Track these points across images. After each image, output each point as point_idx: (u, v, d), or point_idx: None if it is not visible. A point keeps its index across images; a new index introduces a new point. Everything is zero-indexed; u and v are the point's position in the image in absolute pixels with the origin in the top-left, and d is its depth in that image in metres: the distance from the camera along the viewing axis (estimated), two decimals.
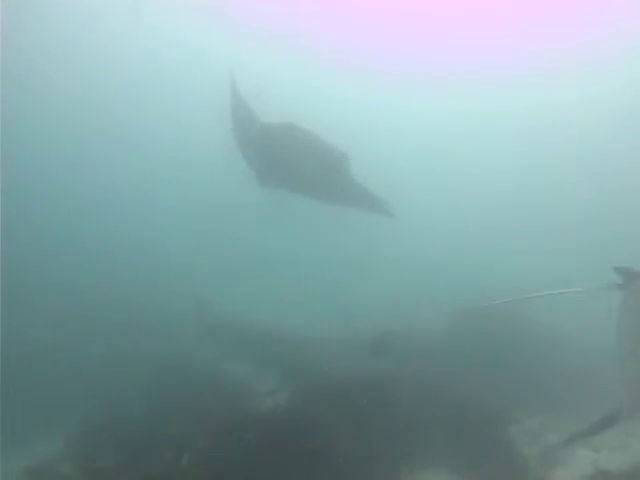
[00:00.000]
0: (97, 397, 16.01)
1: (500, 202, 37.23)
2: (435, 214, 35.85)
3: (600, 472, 10.07)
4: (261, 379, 15.61)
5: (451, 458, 11.44)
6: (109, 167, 41.10)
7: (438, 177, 40.47)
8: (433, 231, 34.10)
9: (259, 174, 15.13)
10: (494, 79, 43.60)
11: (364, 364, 14.29)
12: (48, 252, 30.26)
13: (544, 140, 41.26)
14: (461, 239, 33.71)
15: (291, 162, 13.94)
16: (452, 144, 42.34)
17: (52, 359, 19.69)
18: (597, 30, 40.14)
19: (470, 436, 11.44)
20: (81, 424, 14.81)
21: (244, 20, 40.81)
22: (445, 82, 44.61)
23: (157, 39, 40.27)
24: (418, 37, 42.61)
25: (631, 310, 9.15)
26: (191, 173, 41.17)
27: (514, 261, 28.42)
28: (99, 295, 25.26)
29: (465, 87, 44.57)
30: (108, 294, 25.31)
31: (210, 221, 39.29)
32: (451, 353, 16.54)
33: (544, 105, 42.41)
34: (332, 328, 18.81)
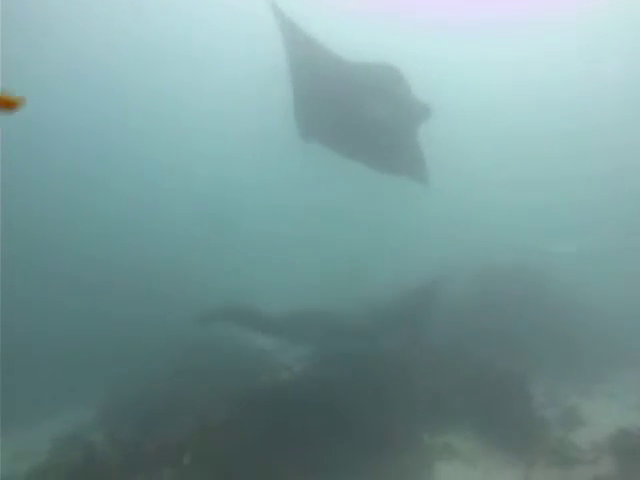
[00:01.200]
0: (124, 369, 16.47)
1: None
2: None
3: (621, 431, 9.98)
4: (281, 352, 15.81)
5: (471, 421, 11.47)
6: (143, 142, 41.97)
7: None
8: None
9: (307, 125, 13.07)
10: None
11: (382, 331, 14.26)
12: (84, 226, 31.01)
13: None
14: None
15: (365, 108, 12.05)
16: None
17: (82, 332, 20.33)
18: None
19: (490, 399, 11.42)
20: (109, 395, 15.31)
21: None
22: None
23: None
24: None
25: None
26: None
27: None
28: (131, 268, 25.95)
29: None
30: (140, 267, 25.96)
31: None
32: (471, 316, 16.52)
33: None
34: (353, 297, 18.86)
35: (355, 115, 12.13)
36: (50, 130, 37.42)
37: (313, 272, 26.37)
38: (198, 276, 25.23)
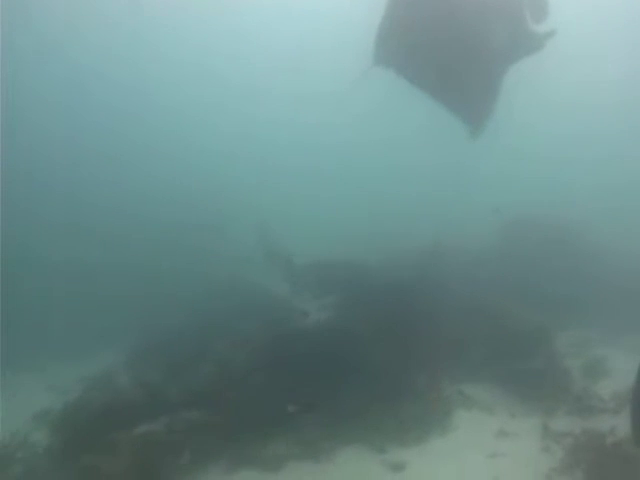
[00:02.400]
0: (153, 316, 16.92)
1: None
2: None
3: None
4: (306, 300, 15.90)
5: (491, 371, 11.46)
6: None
7: None
8: None
9: (387, 51, 12.06)
10: None
11: (409, 279, 14.18)
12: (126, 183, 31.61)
13: None
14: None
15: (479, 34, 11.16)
16: None
17: (117, 281, 20.90)
18: None
19: (511, 349, 11.35)
20: (137, 341, 15.78)
21: None
22: None
23: None
24: None
25: None
26: None
27: None
28: (164, 221, 26.45)
29: None
30: (172, 220, 26.41)
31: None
32: (498, 265, 16.31)
33: None
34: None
35: (457, 43, 11.32)
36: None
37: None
38: (230, 226, 25.51)
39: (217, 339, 12.73)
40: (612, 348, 12.58)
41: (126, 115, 38.32)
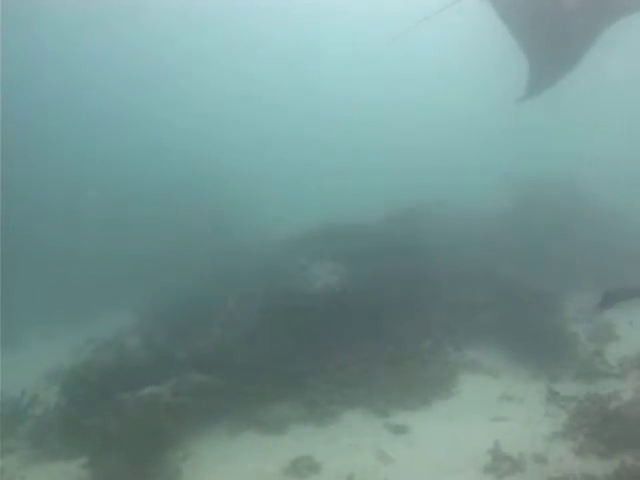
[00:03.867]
0: (164, 279, 17.06)
1: None
2: None
3: None
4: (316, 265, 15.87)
5: (498, 337, 11.42)
6: None
7: None
8: None
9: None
10: None
11: (412, 242, 14.07)
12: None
13: None
14: None
15: None
16: None
17: (130, 244, 21.10)
18: None
19: (519, 315, 11.27)
20: (148, 303, 15.96)
21: None
22: None
23: None
24: None
25: None
26: None
27: None
28: (176, 184, 26.62)
29: None
30: (184, 184, 26.54)
31: None
32: (509, 229, 16.09)
33: None
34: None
35: None
36: None
37: None
38: (240, 191, 25.55)
39: (224, 302, 12.82)
40: (622, 313, 12.41)
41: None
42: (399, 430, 8.53)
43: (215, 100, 42.19)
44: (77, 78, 36.72)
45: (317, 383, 9.79)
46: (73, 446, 8.29)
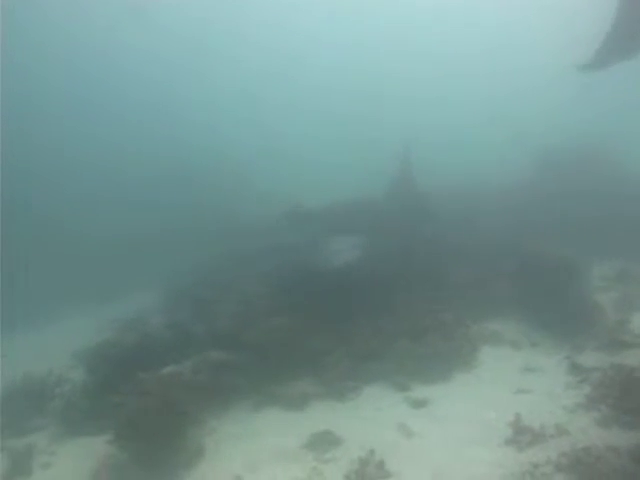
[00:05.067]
0: (187, 260, 17.29)
1: None
2: None
3: None
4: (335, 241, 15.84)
5: (519, 309, 11.26)
6: None
7: None
8: None
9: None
10: None
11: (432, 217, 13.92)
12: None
13: None
14: None
15: None
16: None
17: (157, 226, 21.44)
18: None
19: (541, 286, 11.05)
20: (170, 283, 16.18)
21: None
22: None
23: None
24: None
25: None
26: None
27: None
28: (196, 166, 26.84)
29: None
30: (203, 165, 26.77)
31: None
32: (531, 197, 15.80)
33: None
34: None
35: None
36: None
37: None
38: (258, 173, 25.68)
39: (244, 280, 12.90)
40: None
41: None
42: (420, 404, 8.52)
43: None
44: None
45: (336, 358, 9.79)
46: (98, 423, 8.51)
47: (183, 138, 33.55)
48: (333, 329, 10.42)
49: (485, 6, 36.38)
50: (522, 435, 7.03)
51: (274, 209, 16.49)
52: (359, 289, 11.64)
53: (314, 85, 42.48)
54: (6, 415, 9.37)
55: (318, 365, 9.61)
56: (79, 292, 17.10)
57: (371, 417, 8.31)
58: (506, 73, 38.20)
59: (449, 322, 10.66)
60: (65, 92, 37.08)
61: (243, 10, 37.80)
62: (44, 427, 9.31)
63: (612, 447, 6.11)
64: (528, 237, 12.58)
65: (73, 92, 37.45)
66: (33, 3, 30.20)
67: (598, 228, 13.13)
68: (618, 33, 11.10)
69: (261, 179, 25.90)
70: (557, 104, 30.75)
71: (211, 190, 23.44)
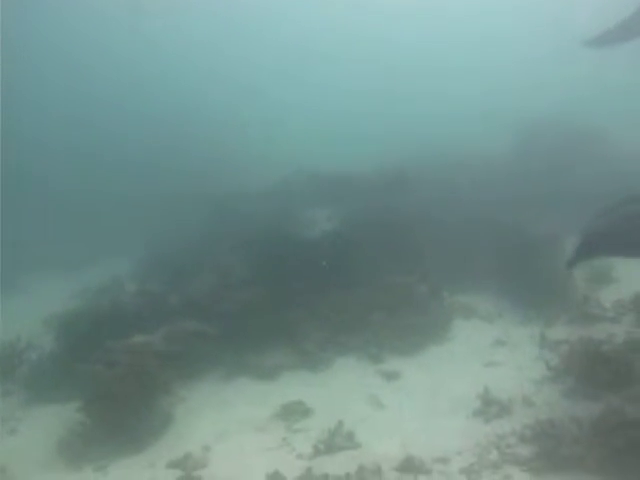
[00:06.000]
0: (163, 228, 17.05)
1: None
2: None
3: None
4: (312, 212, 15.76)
5: (493, 282, 11.31)
6: None
7: None
8: None
9: None
10: None
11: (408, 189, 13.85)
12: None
13: None
14: None
15: None
16: None
17: (132, 193, 21.09)
18: None
19: (515, 260, 11.09)
20: (145, 250, 15.99)
21: None
22: None
23: None
24: None
25: None
26: None
27: None
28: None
29: None
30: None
31: None
32: (512, 173, 15.80)
33: None
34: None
35: None
36: None
37: None
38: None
39: (219, 249, 12.76)
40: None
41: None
42: (391, 376, 8.56)
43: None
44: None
45: (310, 330, 9.77)
46: (67, 391, 8.42)
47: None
48: (308, 300, 10.39)
49: None
50: (490, 407, 7.10)
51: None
52: (335, 260, 11.59)
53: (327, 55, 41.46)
54: None
55: (292, 336, 9.59)
56: (53, 257, 16.83)
57: (343, 388, 8.35)
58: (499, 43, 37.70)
59: (424, 295, 10.71)
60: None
61: None
62: (11, 393, 9.19)
63: (575, 418, 6.19)
64: (504, 211, 12.60)
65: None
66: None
67: (575, 203, 13.17)
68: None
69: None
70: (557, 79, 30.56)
71: (210, 153, 23.20)
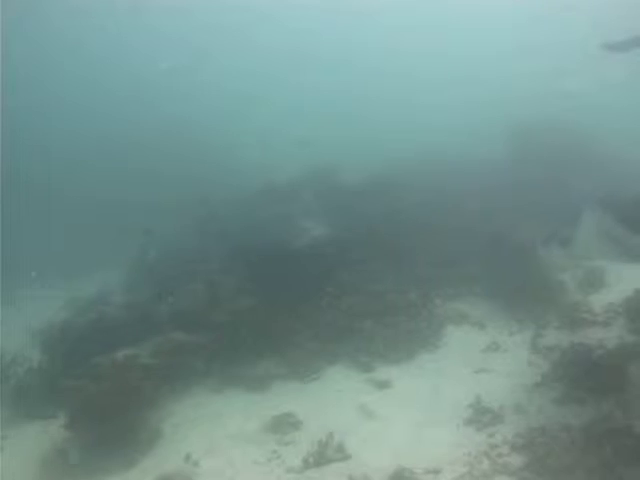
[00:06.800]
0: (150, 236, 16.87)
1: None
2: None
3: (637, 292, 9.54)
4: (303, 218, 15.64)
5: (484, 288, 11.26)
6: None
7: None
8: None
9: None
10: None
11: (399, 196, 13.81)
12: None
13: None
14: None
15: None
16: None
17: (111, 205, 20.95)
18: None
19: (506, 265, 11.03)
20: (134, 261, 15.81)
21: None
22: None
23: None
24: None
25: None
26: None
27: None
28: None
29: None
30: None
31: None
32: (504, 178, 15.78)
33: None
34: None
35: None
36: None
37: None
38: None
39: (210, 259, 12.66)
40: (616, 261, 12.23)
41: None
42: (382, 385, 8.48)
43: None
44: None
45: (301, 339, 9.67)
46: (53, 406, 8.26)
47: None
48: (299, 309, 10.29)
49: None
50: (482, 415, 7.04)
51: None
52: (326, 269, 11.52)
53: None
54: None
55: (283, 346, 9.48)
56: (46, 266, 16.63)
57: (333, 398, 8.26)
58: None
59: (415, 302, 10.65)
60: None
61: None
62: None
63: (566, 425, 6.16)
64: (496, 217, 12.57)
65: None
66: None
67: (564, 208, 13.18)
68: None
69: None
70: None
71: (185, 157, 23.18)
